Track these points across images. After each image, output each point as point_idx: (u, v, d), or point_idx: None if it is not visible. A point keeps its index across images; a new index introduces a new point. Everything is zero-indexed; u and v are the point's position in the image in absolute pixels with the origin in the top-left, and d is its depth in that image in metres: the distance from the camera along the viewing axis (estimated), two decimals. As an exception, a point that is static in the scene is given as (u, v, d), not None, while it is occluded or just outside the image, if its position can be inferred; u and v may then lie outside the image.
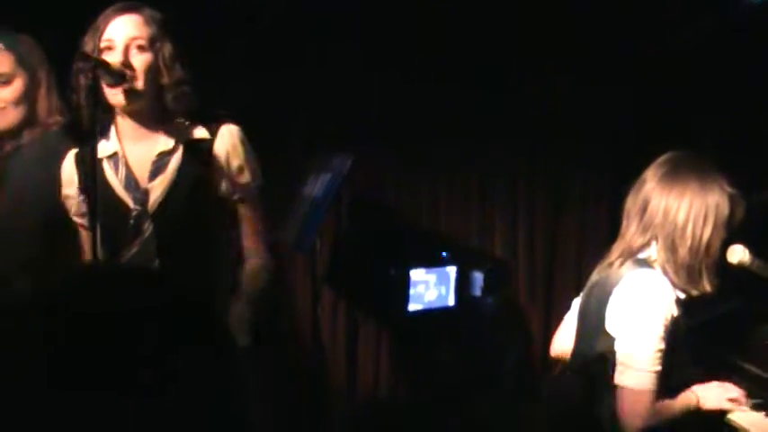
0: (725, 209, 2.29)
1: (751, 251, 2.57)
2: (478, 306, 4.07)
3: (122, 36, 2.25)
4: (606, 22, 4.14)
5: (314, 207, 3.44)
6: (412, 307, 3.86)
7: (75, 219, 2.44)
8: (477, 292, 4.04)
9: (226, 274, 2.44)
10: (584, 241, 4.35)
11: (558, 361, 2.63)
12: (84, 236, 2.45)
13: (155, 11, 2.34)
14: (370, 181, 4.12)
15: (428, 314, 3.91)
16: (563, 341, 2.61)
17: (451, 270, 3.97)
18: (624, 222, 2.38)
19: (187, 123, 2.37)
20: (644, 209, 2.32)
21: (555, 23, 4.13)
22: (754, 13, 4.14)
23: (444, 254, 4.02)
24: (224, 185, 2.38)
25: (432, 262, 3.96)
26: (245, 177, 2.40)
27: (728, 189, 2.30)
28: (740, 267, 2.59)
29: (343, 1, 3.89)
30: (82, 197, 2.38)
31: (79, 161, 2.39)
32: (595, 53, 4.21)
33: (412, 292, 3.84)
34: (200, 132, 2.37)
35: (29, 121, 2.59)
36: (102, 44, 2.26)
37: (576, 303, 2.58)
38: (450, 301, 3.98)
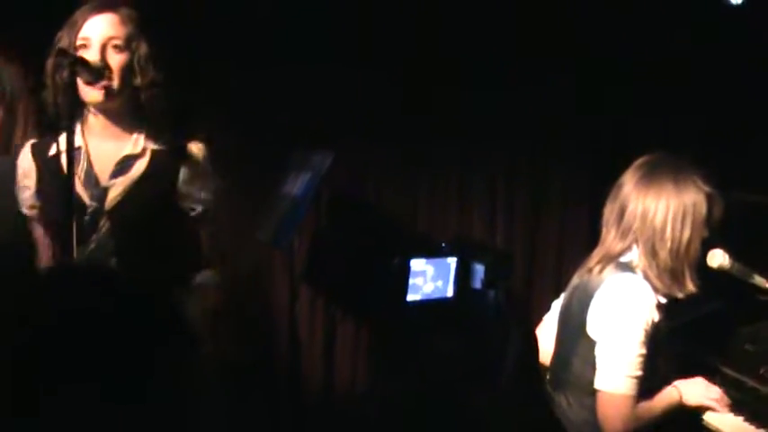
0: (702, 207, 2.28)
1: (731, 254, 2.59)
2: (479, 298, 4.08)
3: (99, 35, 2.23)
4: (590, 24, 4.15)
5: (294, 205, 3.41)
6: (410, 297, 3.84)
7: (27, 211, 2.40)
8: (478, 284, 4.04)
9: (181, 276, 2.44)
10: (564, 245, 4.36)
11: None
12: (36, 229, 2.41)
13: (131, 9, 2.31)
14: (349, 178, 4.09)
15: (426, 305, 3.92)
16: (542, 343, 2.60)
17: (452, 261, 3.96)
18: (604, 229, 2.37)
19: (158, 132, 2.35)
20: (622, 214, 2.31)
21: (538, 24, 4.13)
22: (733, 16, 4.17)
23: (444, 245, 4.02)
24: (183, 198, 2.37)
25: (431, 252, 3.94)
26: (205, 195, 2.40)
27: (705, 187, 2.29)
28: (720, 271, 2.60)
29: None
30: (36, 189, 2.35)
31: (36, 153, 2.36)
32: (579, 55, 4.22)
33: (411, 282, 3.84)
34: (169, 143, 2.36)
35: (5, 148, 2.55)
36: (78, 42, 2.23)
37: (556, 305, 2.58)
38: (449, 293, 3.99)
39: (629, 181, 2.33)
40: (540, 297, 4.18)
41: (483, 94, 4.18)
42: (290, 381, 3.79)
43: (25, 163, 2.38)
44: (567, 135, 4.35)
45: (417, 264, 3.84)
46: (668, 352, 2.75)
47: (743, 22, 4.07)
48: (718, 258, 2.57)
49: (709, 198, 2.29)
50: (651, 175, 2.30)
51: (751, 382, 2.61)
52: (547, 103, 4.30)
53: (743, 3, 4.18)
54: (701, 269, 2.59)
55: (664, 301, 2.30)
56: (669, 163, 2.32)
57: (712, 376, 2.64)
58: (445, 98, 4.12)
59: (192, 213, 2.41)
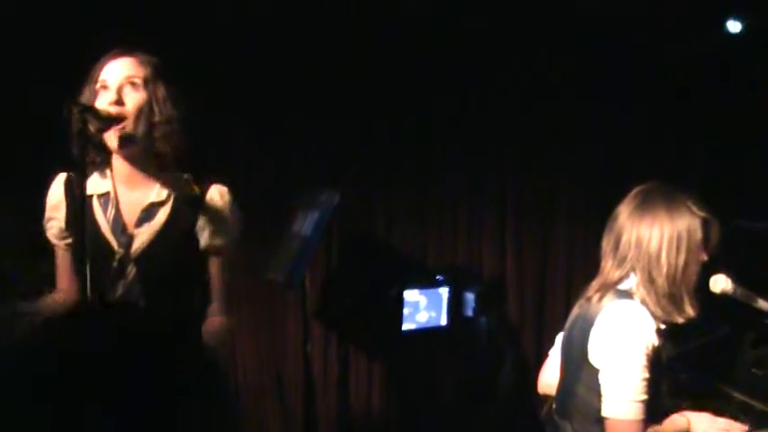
0: (697, 232, 2.29)
1: (734, 279, 2.60)
2: (471, 326, 4.15)
3: (116, 76, 2.30)
4: (604, 36, 4.25)
5: (304, 244, 3.46)
6: (406, 327, 3.96)
7: (56, 241, 2.46)
8: (470, 312, 4.11)
9: (199, 317, 2.48)
10: (574, 259, 4.41)
11: (546, 397, 2.64)
12: (62, 258, 2.47)
13: (149, 55, 2.38)
14: (358, 211, 4.16)
15: (421, 333, 4.01)
16: (549, 377, 2.61)
17: (444, 291, 4.04)
18: (602, 260, 2.40)
19: (181, 177, 2.41)
20: (618, 243, 2.33)
21: (546, 36, 4.22)
22: (734, 44, 4.24)
23: (440, 277, 4.10)
24: (204, 241, 2.42)
25: (425, 283, 4.04)
26: (226, 239, 2.45)
27: (699, 213, 2.31)
28: (724, 296, 2.62)
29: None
30: (66, 224, 2.41)
31: (68, 188, 2.42)
32: (591, 69, 4.30)
33: (406, 312, 3.93)
34: (192, 189, 2.41)
35: None
36: (98, 85, 2.30)
37: (560, 339, 2.60)
38: (443, 321, 4.06)
39: (624, 211, 2.36)
40: (551, 326, 4.23)
41: (484, 119, 4.27)
42: (306, 416, 3.82)
43: (57, 196, 2.44)
44: (579, 155, 4.43)
45: (411, 295, 3.94)
46: (674, 377, 2.78)
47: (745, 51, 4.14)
48: (720, 283, 2.59)
49: (703, 223, 2.31)
50: (645, 204, 2.33)
51: (759, 406, 2.62)
52: (554, 136, 4.37)
53: (742, 31, 4.26)
54: (706, 295, 2.61)
55: (663, 326, 2.32)
56: (662, 191, 2.34)
57: (720, 400, 2.65)
58: (444, 127, 4.20)
59: (212, 253, 2.44)
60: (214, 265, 2.48)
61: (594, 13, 4.17)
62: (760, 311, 2.68)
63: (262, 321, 4.01)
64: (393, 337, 3.97)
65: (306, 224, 3.48)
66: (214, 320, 2.46)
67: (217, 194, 2.45)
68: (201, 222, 2.41)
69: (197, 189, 2.43)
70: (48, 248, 2.48)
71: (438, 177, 4.30)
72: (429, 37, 4.12)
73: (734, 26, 4.26)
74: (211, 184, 2.46)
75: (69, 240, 2.44)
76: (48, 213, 2.46)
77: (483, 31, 4.18)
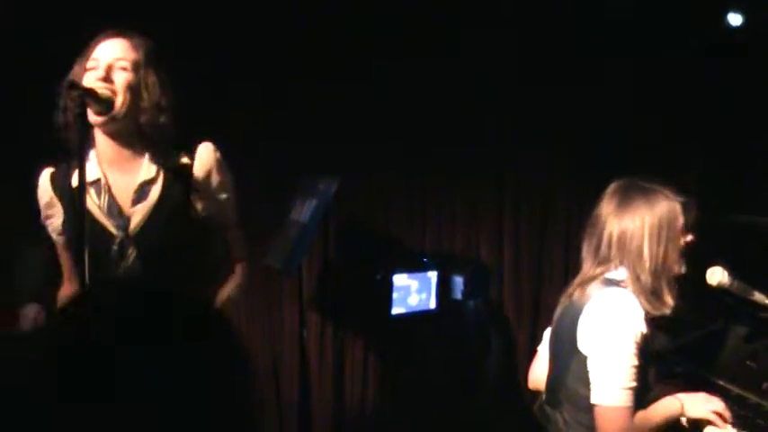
0: (677, 217, 2.30)
1: (730, 272, 2.61)
2: (460, 309, 4.17)
3: (106, 56, 2.27)
4: (606, 30, 4.25)
5: (301, 231, 3.47)
6: (395, 311, 3.98)
7: (56, 238, 2.46)
8: (459, 295, 4.13)
9: (208, 282, 2.50)
10: (572, 242, 4.42)
11: (537, 392, 2.64)
12: (64, 254, 2.48)
13: (145, 39, 2.37)
14: (356, 203, 4.16)
15: (411, 317, 4.04)
16: (539, 373, 2.61)
17: (432, 275, 4.05)
18: (583, 264, 2.40)
19: (167, 150, 2.39)
20: (599, 243, 2.34)
21: (556, 34, 4.23)
22: (733, 37, 4.24)
23: (425, 259, 4.11)
24: (202, 205, 2.41)
25: (414, 267, 4.06)
26: (224, 193, 2.45)
27: (676, 198, 2.33)
28: (720, 289, 2.63)
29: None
30: (64, 219, 2.40)
31: (55, 183, 2.41)
32: (586, 61, 4.31)
33: (395, 296, 3.94)
34: (180, 158, 2.39)
35: None
36: (89, 64, 2.28)
37: (548, 334, 2.60)
38: (432, 305, 4.08)
39: (605, 210, 2.37)
40: (548, 315, 4.25)
41: (483, 110, 4.27)
42: (301, 403, 3.83)
43: (46, 193, 2.43)
44: (578, 144, 4.46)
45: (400, 279, 3.95)
46: (671, 370, 2.78)
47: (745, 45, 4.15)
48: (717, 276, 2.60)
49: (682, 206, 2.32)
50: (624, 200, 2.34)
51: (754, 398, 2.62)
52: (553, 127, 4.37)
53: (742, 24, 4.26)
54: (702, 288, 2.62)
55: (654, 319, 2.32)
56: (638, 184, 2.36)
57: (715, 393, 2.66)
58: (443, 115, 4.22)
59: (213, 213, 2.44)
60: (221, 221, 2.50)
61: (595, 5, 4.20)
62: (756, 304, 2.70)
63: (259, 307, 4.01)
64: (383, 320, 3.99)
65: (304, 211, 3.48)
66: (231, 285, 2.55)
67: (205, 152, 2.42)
68: (197, 185, 2.40)
69: (186, 159, 2.41)
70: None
71: (437, 164, 4.30)
72: (428, 25, 4.13)
73: (735, 19, 4.26)
74: (198, 143, 2.43)
75: (69, 236, 2.43)
76: (43, 212, 2.45)
77: (483, 21, 4.18)
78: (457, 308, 4.18)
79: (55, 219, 2.43)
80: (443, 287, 4.12)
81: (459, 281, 4.13)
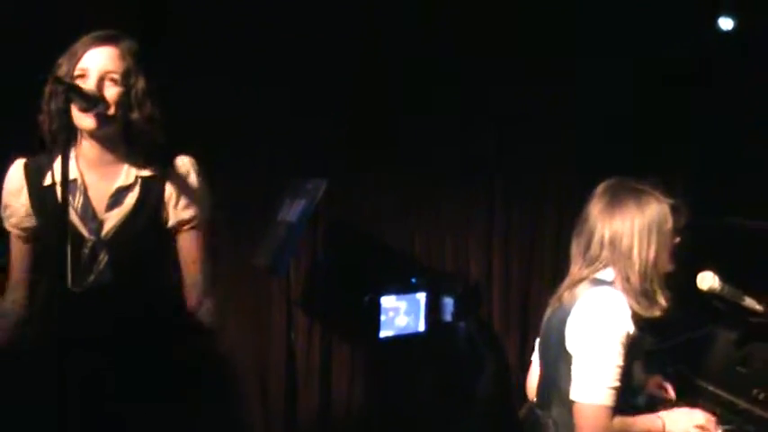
0: (667, 219, 2.30)
1: (721, 277, 2.60)
2: (450, 331, 4.11)
3: (97, 67, 2.23)
4: (604, 28, 4.25)
5: (289, 231, 3.44)
6: (383, 333, 3.92)
7: (11, 229, 2.37)
8: (448, 317, 4.07)
9: (171, 298, 2.44)
10: (560, 255, 4.41)
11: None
12: (18, 247, 2.38)
13: (132, 43, 2.33)
14: (345, 203, 4.13)
15: (400, 340, 3.96)
16: (535, 380, 2.59)
17: (421, 296, 4.01)
18: (572, 265, 2.38)
19: (149, 158, 2.36)
20: (588, 245, 2.33)
21: (547, 25, 4.20)
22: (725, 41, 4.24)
23: (413, 280, 4.05)
24: (172, 219, 2.38)
25: (402, 289, 4.00)
26: (191, 211, 2.40)
27: (666, 200, 2.32)
28: (711, 293, 2.61)
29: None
30: (27, 213, 2.35)
31: (28, 174, 2.34)
32: (587, 58, 4.30)
33: (383, 318, 3.89)
34: (156, 169, 2.36)
35: None
36: (77, 72, 2.23)
37: (539, 342, 2.58)
38: (421, 327, 4.02)
39: (594, 210, 2.35)
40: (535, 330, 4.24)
41: (471, 119, 4.26)
42: (287, 403, 3.80)
43: (16, 182, 2.36)
44: (564, 165, 4.43)
45: (388, 301, 3.90)
46: (662, 371, 2.77)
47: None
48: (708, 281, 2.59)
49: (672, 209, 2.31)
50: (614, 200, 2.33)
51: (744, 404, 2.61)
52: (544, 132, 4.37)
53: (734, 29, 4.26)
54: (693, 292, 2.61)
55: (643, 321, 2.30)
56: (628, 185, 2.35)
57: (704, 399, 2.64)
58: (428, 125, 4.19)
59: (182, 228, 2.38)
60: (185, 240, 2.41)
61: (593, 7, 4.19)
62: (747, 309, 2.68)
63: (246, 308, 3.98)
64: (371, 344, 3.94)
65: (292, 211, 3.45)
66: (203, 307, 2.42)
67: (182, 166, 2.38)
68: (168, 197, 2.35)
69: (164, 167, 2.37)
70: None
71: (426, 172, 4.27)
72: (420, 30, 4.10)
73: (725, 23, 4.25)
74: (175, 156, 2.39)
75: (28, 227, 2.36)
76: (5, 200, 2.37)
77: (475, 21, 4.17)
78: (447, 330, 4.11)
79: (15, 210, 2.36)
80: (433, 308, 4.06)
81: (449, 302, 4.07)
